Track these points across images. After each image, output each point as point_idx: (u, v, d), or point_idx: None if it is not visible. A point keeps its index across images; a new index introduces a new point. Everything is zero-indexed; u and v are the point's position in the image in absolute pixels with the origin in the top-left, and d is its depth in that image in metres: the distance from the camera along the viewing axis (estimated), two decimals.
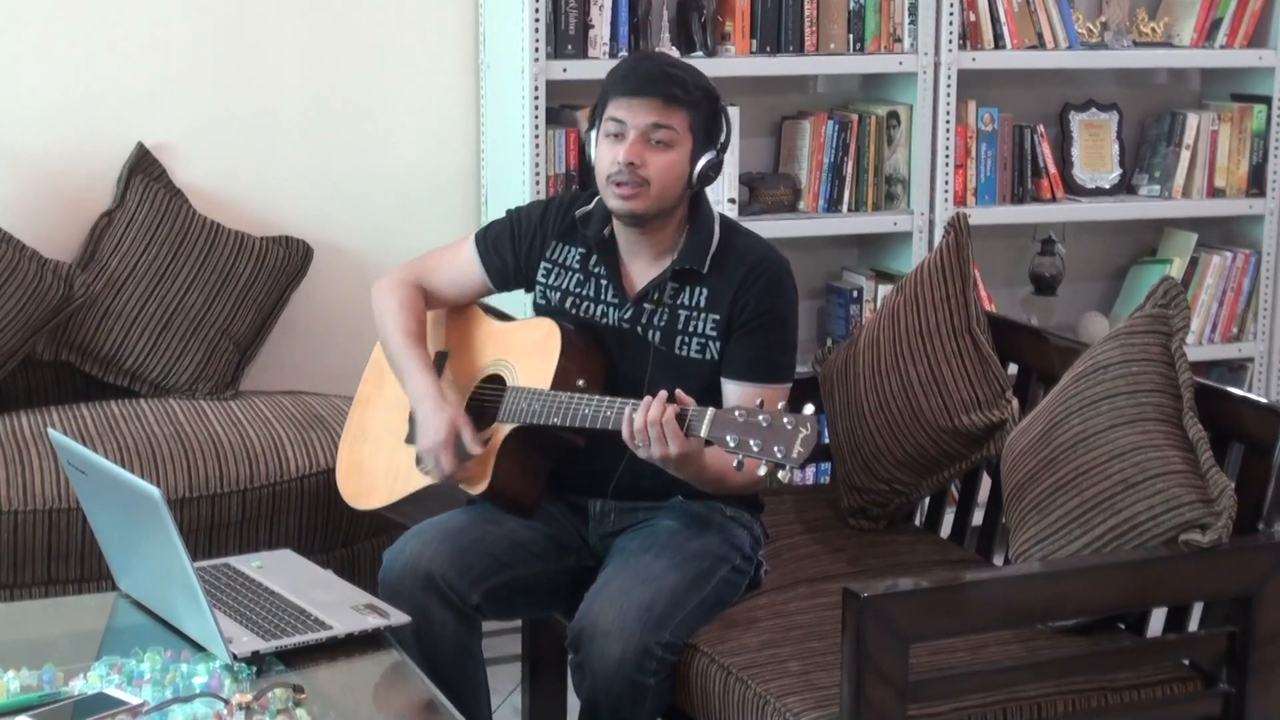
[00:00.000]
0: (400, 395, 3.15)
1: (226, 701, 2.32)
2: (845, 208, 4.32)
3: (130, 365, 3.90)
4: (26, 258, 3.80)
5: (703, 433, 2.68)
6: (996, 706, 2.59)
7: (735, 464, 2.65)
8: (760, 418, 2.62)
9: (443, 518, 2.97)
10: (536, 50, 3.91)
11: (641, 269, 2.98)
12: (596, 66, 3.97)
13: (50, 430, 2.77)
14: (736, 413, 2.65)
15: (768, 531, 3.11)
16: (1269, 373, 4.71)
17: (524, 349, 3.03)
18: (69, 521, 3.37)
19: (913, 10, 4.24)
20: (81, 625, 2.83)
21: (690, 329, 2.94)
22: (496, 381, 3.03)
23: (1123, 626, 2.85)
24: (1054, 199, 4.53)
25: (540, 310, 3.10)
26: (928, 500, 3.40)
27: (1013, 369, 3.27)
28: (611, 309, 3.00)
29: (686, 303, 2.95)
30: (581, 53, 4.01)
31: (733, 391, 2.91)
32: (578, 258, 3.05)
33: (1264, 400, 2.90)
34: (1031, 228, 4.61)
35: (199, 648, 2.51)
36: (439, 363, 3.14)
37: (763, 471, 2.61)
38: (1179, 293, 2.81)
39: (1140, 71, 4.73)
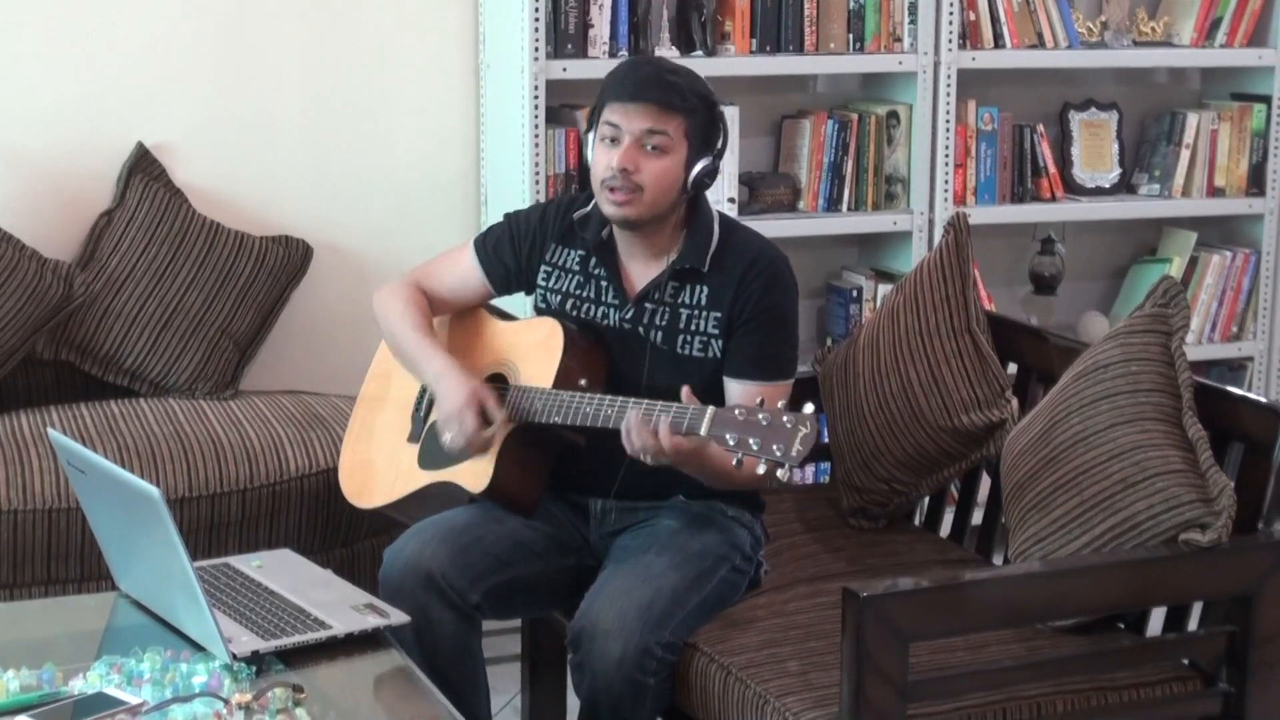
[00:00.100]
0: (404, 394, 3.15)
1: (226, 701, 2.32)
2: (845, 207, 4.32)
3: (130, 365, 3.90)
4: (26, 257, 3.80)
5: (702, 431, 2.68)
6: (996, 706, 2.59)
7: (735, 462, 2.65)
8: (760, 416, 2.63)
9: (443, 516, 2.97)
10: (536, 50, 3.91)
11: (641, 269, 2.98)
12: (596, 66, 3.97)
13: (50, 430, 2.77)
14: (736, 411, 2.66)
15: (768, 531, 3.11)
16: (1268, 372, 4.71)
17: (527, 348, 3.03)
18: (69, 521, 3.37)
19: (912, 10, 4.24)
20: (81, 625, 2.83)
21: (692, 328, 2.94)
22: (499, 380, 3.04)
23: (1122, 626, 2.85)
24: (1054, 198, 4.53)
25: (541, 313, 3.10)
26: (927, 500, 3.40)
27: (1012, 368, 3.27)
28: (612, 310, 3.00)
29: (688, 301, 2.95)
30: (581, 52, 4.01)
31: (736, 390, 2.91)
32: (577, 260, 3.05)
33: (1263, 400, 2.90)
34: (1031, 227, 4.61)
35: (199, 647, 2.51)
36: None
37: (762, 470, 2.62)
38: (1178, 292, 2.81)
39: (1140, 71, 4.73)
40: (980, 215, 4.28)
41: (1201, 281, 4.65)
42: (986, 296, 4.40)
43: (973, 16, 4.32)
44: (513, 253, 3.10)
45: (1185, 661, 2.77)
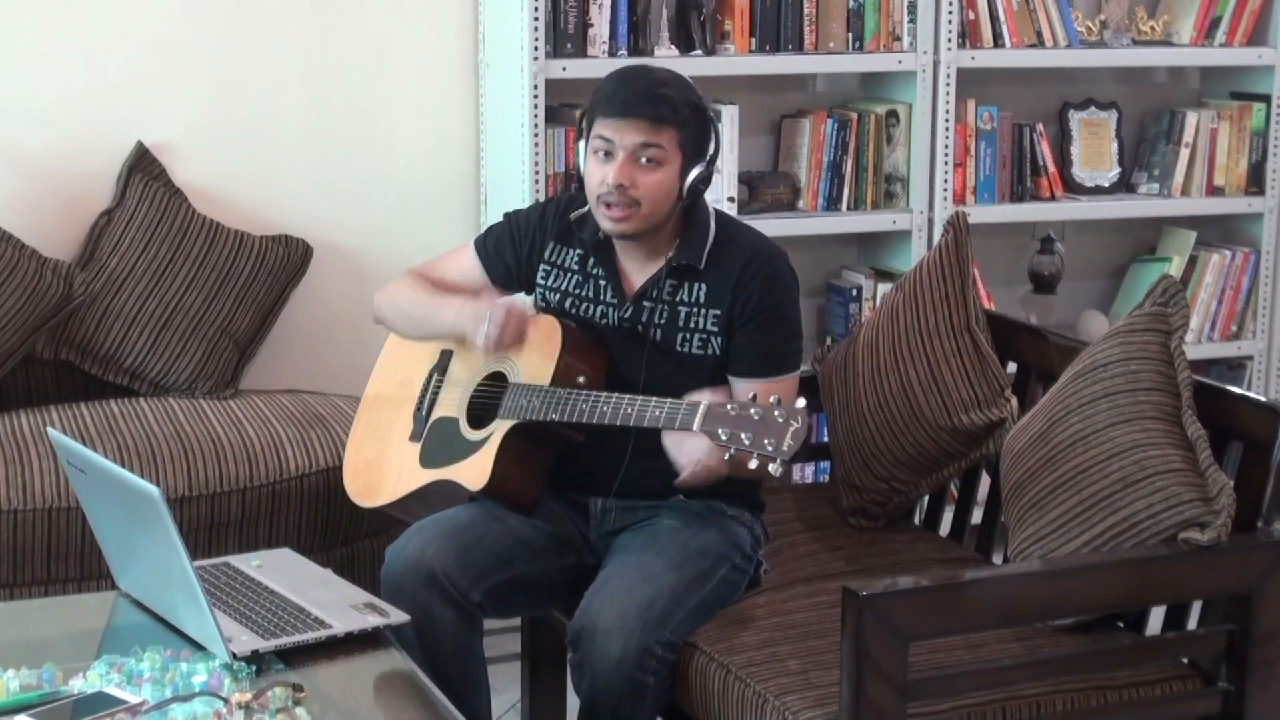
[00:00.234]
0: (407, 394, 3.16)
1: (226, 700, 2.32)
2: (844, 206, 4.33)
3: (130, 364, 3.90)
4: (26, 256, 3.80)
5: (695, 426, 2.69)
6: (996, 705, 2.60)
7: (726, 456, 2.65)
8: (752, 411, 2.63)
9: (445, 515, 2.97)
10: (536, 49, 3.91)
11: (639, 268, 2.99)
12: (596, 65, 3.98)
13: (50, 429, 2.77)
14: (729, 406, 2.66)
15: (768, 530, 3.11)
16: (1268, 371, 4.71)
17: (526, 346, 3.03)
18: (69, 520, 3.37)
19: (912, 9, 4.24)
20: (81, 624, 2.83)
21: (691, 325, 2.95)
22: (499, 379, 3.04)
23: (1122, 625, 2.85)
24: (1053, 197, 4.53)
25: (540, 311, 3.10)
26: (927, 499, 3.40)
27: (1012, 367, 3.27)
28: (611, 309, 3.00)
29: (686, 299, 2.95)
30: (581, 52, 4.01)
31: (743, 389, 2.90)
32: (576, 259, 3.05)
33: (1263, 399, 2.90)
34: (1031, 226, 4.61)
35: (198, 647, 2.51)
36: (444, 361, 3.15)
37: (754, 465, 2.62)
38: (1178, 291, 2.81)
39: (1139, 70, 4.73)
40: (980, 214, 4.29)
41: (1201, 280, 4.66)
42: (986, 296, 4.40)
43: (972, 16, 4.32)
44: (513, 251, 3.10)
45: (1185, 660, 2.77)
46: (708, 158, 2.93)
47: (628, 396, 2.81)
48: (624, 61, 4.00)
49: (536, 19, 3.90)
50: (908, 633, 2.50)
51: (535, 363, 2.98)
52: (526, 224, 3.10)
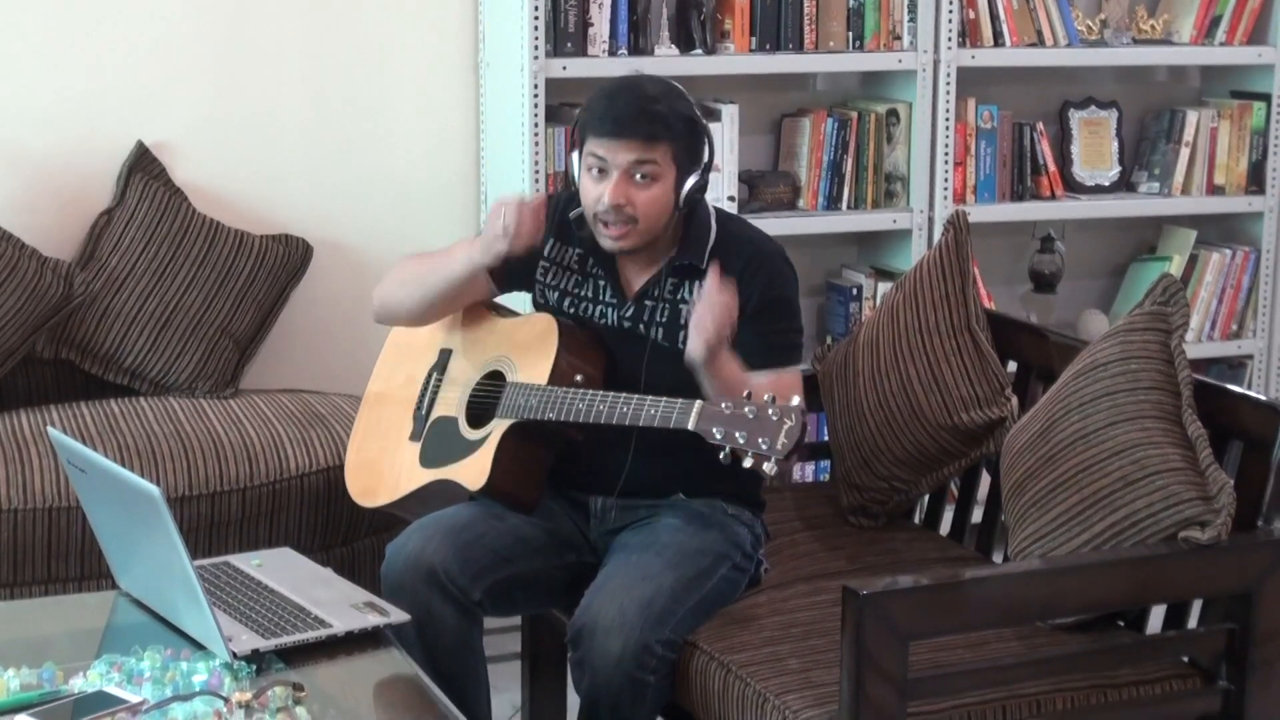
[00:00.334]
0: (407, 393, 3.16)
1: (226, 699, 2.32)
2: (845, 205, 4.33)
3: (130, 364, 3.90)
4: (26, 256, 3.80)
5: (690, 425, 2.69)
6: (996, 704, 2.59)
7: (721, 456, 2.65)
8: (746, 410, 2.63)
9: (445, 513, 2.97)
10: (536, 48, 3.91)
11: (639, 268, 2.99)
12: (596, 65, 3.98)
13: (50, 429, 2.77)
14: (723, 405, 2.66)
15: (768, 529, 3.11)
16: (1268, 370, 4.71)
17: (523, 345, 3.03)
18: (69, 520, 3.37)
19: (912, 8, 4.24)
20: (81, 623, 2.83)
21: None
22: (497, 378, 3.04)
23: (1122, 624, 2.85)
24: (1053, 196, 4.53)
25: (539, 309, 3.10)
26: (927, 498, 3.40)
27: (1012, 366, 3.27)
28: (611, 309, 3.00)
29: (687, 297, 2.95)
30: (581, 51, 4.01)
31: (752, 382, 2.88)
32: (576, 258, 3.05)
33: (1263, 398, 2.90)
34: (1031, 225, 4.61)
35: (199, 646, 2.51)
36: (443, 360, 3.15)
37: (748, 464, 2.62)
38: (1178, 290, 2.81)
39: (1140, 69, 4.73)
40: (980, 213, 4.28)
41: (1201, 279, 4.66)
42: (986, 295, 4.40)
43: (972, 14, 4.32)
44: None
45: (1185, 659, 2.77)
46: (702, 165, 2.92)
47: (624, 395, 2.81)
48: (624, 61, 4.01)
49: (536, 18, 3.90)
50: (908, 632, 2.49)
51: (532, 361, 2.98)
52: None
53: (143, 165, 4.02)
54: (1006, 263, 4.67)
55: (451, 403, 3.08)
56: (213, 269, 3.96)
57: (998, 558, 3.27)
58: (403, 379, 3.20)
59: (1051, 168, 4.52)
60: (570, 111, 4.06)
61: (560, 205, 3.06)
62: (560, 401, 2.87)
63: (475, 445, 2.98)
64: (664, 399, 2.76)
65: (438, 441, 3.06)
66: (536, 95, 3.93)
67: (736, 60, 4.17)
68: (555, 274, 3.07)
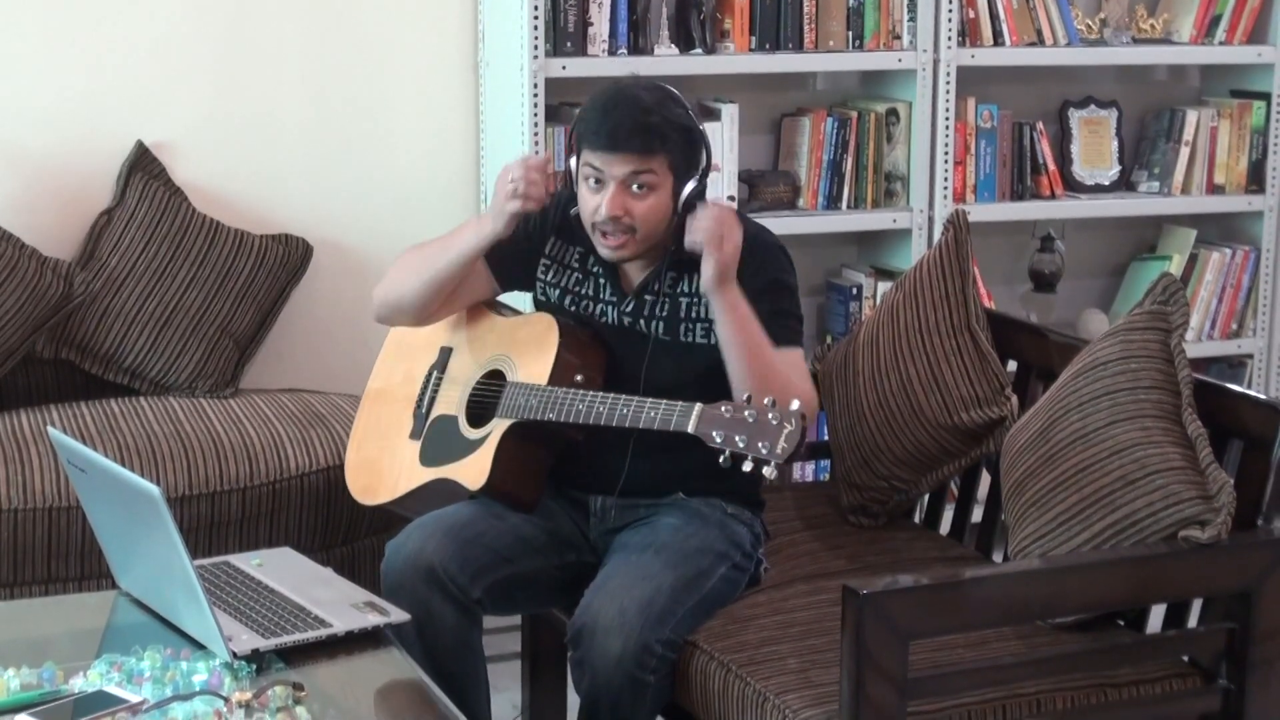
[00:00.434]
0: (408, 391, 3.16)
1: (226, 699, 2.33)
2: (845, 205, 4.33)
3: (130, 363, 3.90)
4: (26, 256, 3.80)
5: (689, 428, 2.69)
6: (996, 703, 2.60)
7: (721, 459, 2.65)
8: (746, 413, 2.63)
9: (445, 512, 2.97)
10: (536, 48, 3.91)
11: (639, 265, 2.99)
12: (596, 64, 3.98)
13: (50, 428, 2.77)
14: (723, 409, 2.66)
15: (768, 529, 3.12)
16: (1268, 369, 4.71)
17: (524, 344, 3.03)
18: (69, 520, 3.37)
19: (912, 7, 4.24)
20: (81, 623, 2.83)
21: (692, 315, 2.95)
22: (498, 377, 3.04)
23: (1122, 623, 2.85)
24: (1053, 196, 4.52)
25: (540, 307, 3.10)
26: (927, 497, 3.40)
27: (1012, 366, 3.27)
28: (611, 307, 3.00)
29: (686, 290, 2.95)
30: (581, 50, 4.01)
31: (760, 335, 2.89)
32: (577, 256, 3.05)
33: (1263, 397, 2.91)
34: (1031, 224, 4.61)
35: (199, 646, 2.51)
36: (443, 358, 3.15)
37: (748, 467, 2.62)
38: (1178, 289, 2.81)
39: (1139, 68, 4.73)
40: (980, 213, 4.28)
41: (1201, 279, 4.66)
42: (986, 294, 4.40)
43: (972, 14, 4.32)
44: (514, 246, 3.09)
45: (1185, 658, 2.77)
46: (700, 170, 2.92)
47: (624, 397, 2.81)
48: (624, 61, 4.01)
49: (536, 17, 3.90)
50: (908, 631, 2.49)
51: (533, 360, 2.98)
52: (528, 218, 3.10)
53: (143, 165, 4.02)
54: (1006, 262, 4.67)
55: (452, 401, 3.08)
56: (213, 269, 3.96)
57: (998, 557, 3.27)
58: (403, 377, 3.20)
59: (1051, 167, 4.52)
60: (570, 111, 4.06)
61: (561, 204, 3.06)
62: (560, 402, 2.87)
63: (475, 445, 2.98)
64: (664, 401, 2.76)
65: (438, 440, 3.06)
66: (536, 95, 3.93)
67: (736, 60, 4.17)
68: (556, 272, 3.07)
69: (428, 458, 3.06)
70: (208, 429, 3.65)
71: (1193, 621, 2.84)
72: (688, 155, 2.89)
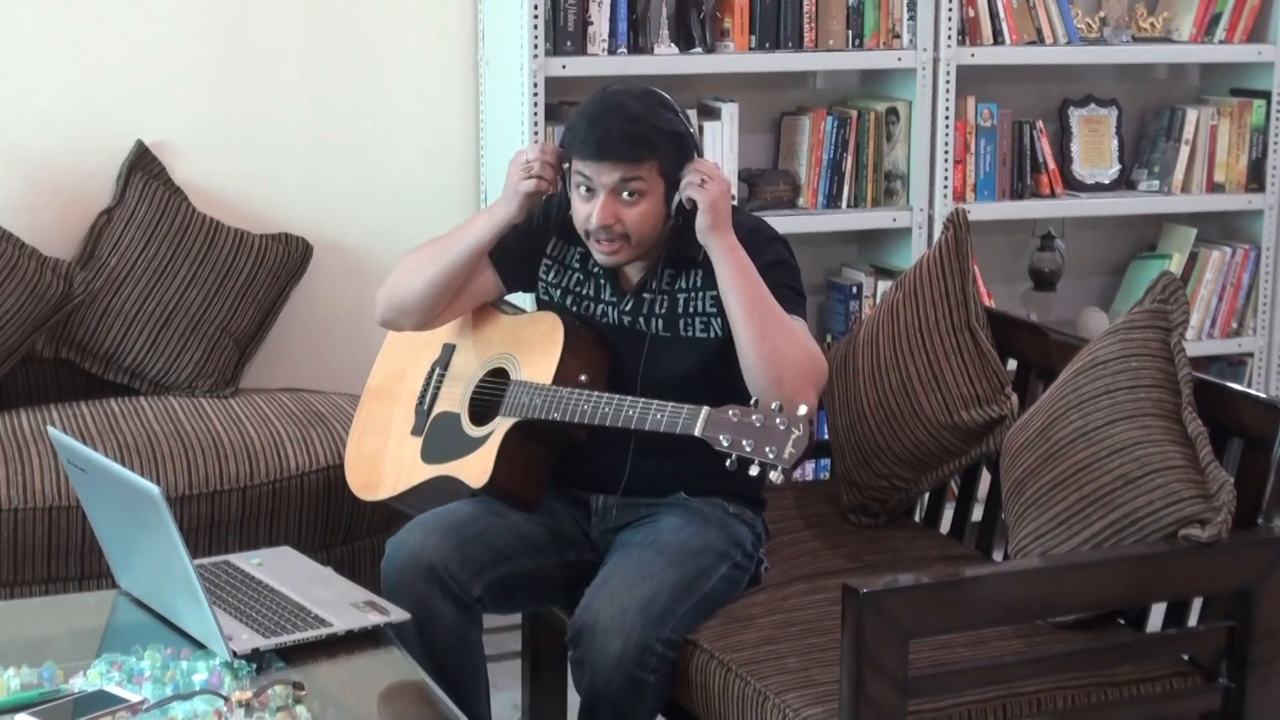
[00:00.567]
0: (409, 387, 3.17)
1: (226, 699, 2.33)
2: (844, 204, 4.33)
3: (130, 363, 3.90)
4: (26, 255, 3.80)
5: (696, 431, 2.69)
6: (996, 702, 2.59)
7: (728, 463, 2.66)
8: (754, 418, 2.64)
9: (446, 509, 2.97)
10: (536, 47, 3.91)
11: (637, 265, 2.99)
12: (596, 63, 3.99)
13: (50, 428, 2.77)
14: (730, 412, 2.67)
15: (769, 528, 3.12)
16: (1268, 368, 4.71)
17: (528, 343, 3.03)
18: (69, 519, 3.37)
19: (911, 6, 4.24)
20: (81, 623, 2.83)
21: (691, 310, 2.95)
22: (500, 375, 3.04)
23: (1122, 622, 2.85)
24: (1053, 194, 4.52)
25: (543, 307, 3.10)
26: (927, 496, 3.40)
27: (1012, 365, 3.27)
28: (611, 307, 3.01)
29: (685, 286, 2.96)
30: (581, 49, 4.01)
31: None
32: (578, 257, 3.05)
33: (1263, 395, 2.90)
34: (1031, 223, 4.61)
35: (199, 645, 2.51)
36: (446, 355, 3.15)
37: (754, 471, 2.63)
38: (1178, 288, 2.81)
39: (1139, 67, 4.73)
40: (980, 211, 4.28)
41: (1201, 277, 4.66)
42: (986, 293, 4.40)
43: (972, 13, 4.32)
44: (517, 246, 3.09)
45: (1185, 657, 2.77)
46: None
47: (629, 398, 2.81)
48: (623, 60, 4.01)
49: (536, 17, 3.90)
50: (908, 630, 2.49)
51: (537, 359, 2.98)
52: (531, 216, 3.09)
53: (143, 165, 4.02)
54: (1006, 261, 4.67)
55: (454, 398, 3.08)
56: (212, 268, 3.96)
57: (998, 556, 3.27)
58: (405, 373, 3.20)
59: (1051, 166, 4.52)
60: (570, 110, 4.05)
61: (563, 204, 3.07)
62: (565, 402, 2.87)
63: (478, 442, 2.98)
64: (670, 404, 2.76)
65: (440, 437, 3.06)
66: (536, 94, 3.93)
67: (736, 59, 4.17)
68: (558, 272, 3.07)
69: (429, 455, 3.06)
70: (208, 428, 3.65)
71: (1193, 620, 2.84)
72: (679, 159, 2.88)
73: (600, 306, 3.02)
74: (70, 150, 4.02)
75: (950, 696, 2.57)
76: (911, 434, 3.19)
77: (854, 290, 4.40)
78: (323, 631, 2.57)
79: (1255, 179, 4.65)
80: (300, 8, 4.14)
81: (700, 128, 4.12)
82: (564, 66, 3.96)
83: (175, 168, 4.07)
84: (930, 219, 4.33)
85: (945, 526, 3.42)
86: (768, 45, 4.18)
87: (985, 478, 3.30)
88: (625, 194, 2.86)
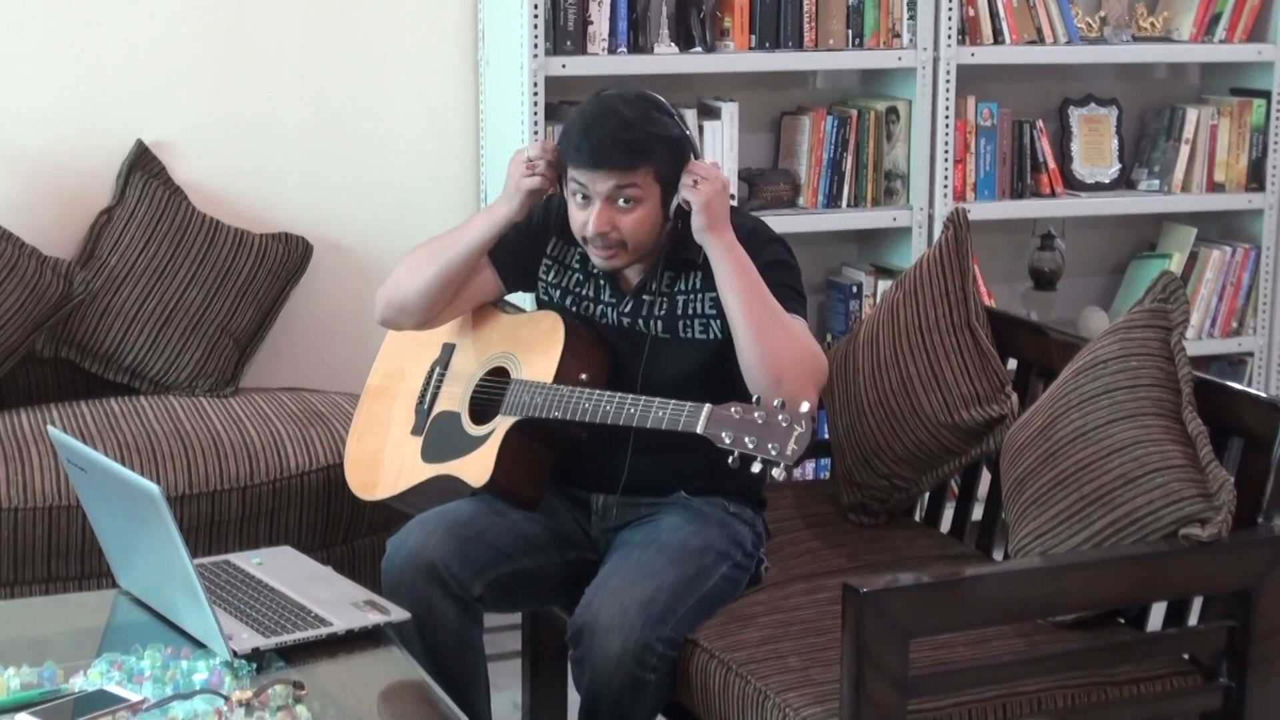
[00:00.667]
0: (409, 387, 3.16)
1: (226, 698, 2.33)
2: (844, 203, 4.32)
3: (130, 362, 3.90)
4: (26, 255, 3.80)
5: (699, 429, 2.69)
6: (997, 701, 2.59)
7: (730, 460, 2.66)
8: (756, 415, 2.64)
9: (446, 508, 2.97)
10: (536, 46, 3.91)
11: (637, 267, 2.98)
12: (596, 63, 3.99)
13: (50, 428, 2.77)
14: (733, 410, 2.67)
15: (769, 528, 3.12)
16: (1268, 367, 4.71)
17: (529, 342, 3.03)
18: (69, 519, 3.37)
19: (911, 5, 4.24)
20: (82, 622, 2.83)
21: (690, 311, 2.95)
22: (501, 374, 3.04)
23: (1123, 621, 2.85)
24: (1053, 194, 4.52)
25: (542, 307, 3.10)
26: (927, 495, 3.40)
27: (1012, 364, 3.27)
28: (611, 308, 3.01)
29: (684, 288, 2.96)
30: (580, 49, 4.01)
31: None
32: (578, 257, 3.05)
33: (1263, 395, 2.91)
34: (1031, 223, 4.61)
35: (199, 644, 2.51)
36: (446, 354, 3.15)
37: (757, 469, 2.63)
38: (1178, 287, 2.81)
39: (1139, 66, 4.73)
40: (980, 211, 4.28)
41: (1201, 277, 4.65)
42: (986, 292, 4.40)
43: (972, 12, 4.32)
44: (518, 246, 3.09)
45: (1185, 656, 2.77)
46: None
47: (631, 396, 2.81)
48: (623, 59, 4.01)
49: (536, 16, 3.90)
50: (908, 629, 2.49)
51: (537, 358, 2.98)
52: (530, 218, 3.09)
53: (142, 164, 4.02)
54: (1006, 260, 4.67)
55: (454, 398, 3.08)
56: (212, 268, 3.96)
57: (998, 555, 3.27)
58: (404, 372, 3.20)
59: (1051, 165, 4.52)
60: (570, 110, 4.05)
61: (561, 205, 3.06)
62: (566, 400, 2.87)
63: (478, 442, 2.98)
64: (672, 401, 2.76)
65: (440, 436, 3.06)
66: (536, 93, 3.93)
67: (736, 58, 4.17)
68: (558, 273, 3.07)
69: (429, 454, 3.06)
70: (208, 428, 3.65)
71: (1193, 620, 2.84)
72: (674, 163, 2.88)
73: (600, 307, 3.02)
74: (70, 150, 4.02)
75: (950, 696, 2.57)
76: (912, 433, 3.19)
77: (854, 290, 4.40)
78: (323, 631, 2.57)
79: (1255, 178, 4.65)
80: (300, 8, 4.14)
81: (700, 127, 4.12)
82: (564, 66, 3.96)
83: (175, 167, 4.07)
84: (930, 218, 4.33)
85: (945, 526, 3.42)
86: (768, 45, 4.18)
87: (985, 477, 3.30)
88: (621, 201, 2.86)
